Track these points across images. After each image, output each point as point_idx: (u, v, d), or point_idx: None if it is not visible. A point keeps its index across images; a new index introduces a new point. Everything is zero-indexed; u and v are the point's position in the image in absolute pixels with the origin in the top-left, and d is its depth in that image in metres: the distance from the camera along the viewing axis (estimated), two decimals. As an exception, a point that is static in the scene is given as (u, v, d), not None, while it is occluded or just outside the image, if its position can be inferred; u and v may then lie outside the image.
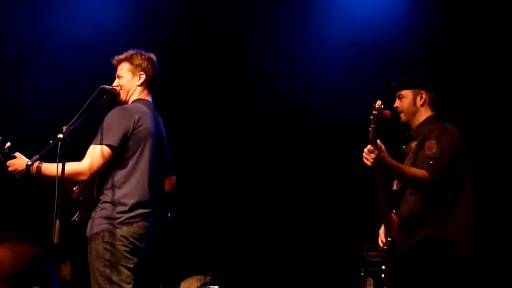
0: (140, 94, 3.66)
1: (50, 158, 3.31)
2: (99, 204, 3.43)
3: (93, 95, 3.44)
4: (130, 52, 3.69)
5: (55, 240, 3.09)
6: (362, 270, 5.20)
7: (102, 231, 3.35)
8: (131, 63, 3.66)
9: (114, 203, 3.39)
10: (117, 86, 3.64)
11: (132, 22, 5.78)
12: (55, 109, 5.24)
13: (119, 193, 3.40)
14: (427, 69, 4.51)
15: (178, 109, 5.83)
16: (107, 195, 3.42)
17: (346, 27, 5.75)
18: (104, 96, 3.54)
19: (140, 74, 3.65)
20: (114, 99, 3.64)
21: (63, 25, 5.63)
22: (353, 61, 5.75)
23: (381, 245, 3.80)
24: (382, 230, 3.81)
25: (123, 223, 3.37)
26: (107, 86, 3.59)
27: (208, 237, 5.98)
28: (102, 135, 3.40)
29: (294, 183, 5.95)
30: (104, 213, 3.39)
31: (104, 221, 3.37)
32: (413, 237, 3.55)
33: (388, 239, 3.73)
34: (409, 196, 3.62)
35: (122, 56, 3.69)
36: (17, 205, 5.44)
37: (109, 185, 3.42)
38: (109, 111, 3.53)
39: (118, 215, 3.37)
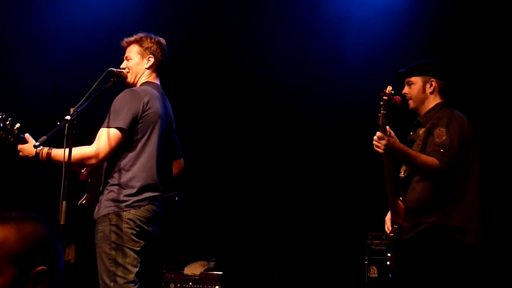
0: (149, 77, 3.64)
1: (57, 139, 3.30)
2: (107, 187, 3.42)
3: (101, 77, 3.43)
4: (140, 34, 3.68)
5: (62, 221, 3.09)
6: (366, 258, 5.20)
7: (110, 213, 3.35)
8: (141, 45, 3.65)
9: (122, 186, 3.39)
10: (124, 68, 3.63)
11: (142, 6, 5.74)
12: (63, 91, 5.23)
13: (127, 176, 3.40)
14: (434, 57, 4.50)
15: (187, 95, 5.81)
16: (115, 178, 3.41)
17: (353, 18, 5.71)
18: (112, 79, 3.52)
19: (149, 57, 3.64)
20: (122, 81, 3.62)
21: (70, 9, 5.61)
22: (359, 51, 5.71)
23: (388, 231, 3.78)
24: (388, 217, 3.80)
25: (130, 206, 3.36)
26: (114, 69, 3.58)
27: (212, 223, 5.98)
28: (111, 118, 3.39)
29: (298, 171, 5.93)
30: (111, 195, 3.38)
31: (112, 203, 3.37)
32: (420, 224, 3.53)
33: (395, 226, 3.72)
34: (417, 183, 3.60)
35: (131, 38, 3.67)
36: (24, 185, 5.44)
37: (117, 167, 3.41)
38: (117, 93, 3.52)
39: (125, 198, 3.37)
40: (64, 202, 3.12)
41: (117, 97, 3.46)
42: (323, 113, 5.84)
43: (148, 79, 3.64)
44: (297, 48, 5.88)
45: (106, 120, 3.41)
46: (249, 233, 5.95)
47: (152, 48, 3.65)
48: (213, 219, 5.98)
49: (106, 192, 3.42)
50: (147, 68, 3.64)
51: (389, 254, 3.87)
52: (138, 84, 3.63)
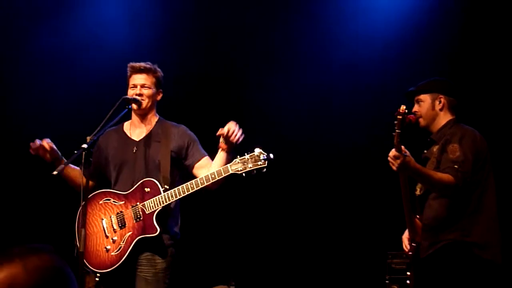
0: (155, 111, 3.78)
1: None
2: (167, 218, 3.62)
3: (116, 105, 3.48)
4: (154, 66, 3.74)
5: (81, 249, 3.13)
6: (387, 277, 5.16)
7: (170, 246, 3.59)
8: (157, 78, 3.73)
9: (177, 218, 3.70)
10: (139, 95, 3.65)
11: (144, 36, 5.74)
12: (76, 119, 5.26)
13: (177, 208, 3.69)
14: (448, 73, 4.49)
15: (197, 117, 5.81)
16: (172, 209, 3.61)
17: (365, 28, 5.65)
18: (127, 106, 3.59)
19: (160, 91, 3.75)
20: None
21: (84, 37, 5.66)
22: (371, 64, 5.64)
23: (406, 250, 3.77)
24: (405, 236, 3.79)
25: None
26: (128, 96, 3.63)
27: (231, 246, 5.97)
28: (200, 147, 3.70)
29: (316, 190, 5.91)
30: (170, 227, 3.61)
31: (171, 235, 3.60)
32: (439, 241, 3.52)
33: (413, 244, 3.71)
34: (433, 201, 3.60)
35: (148, 66, 3.71)
36: (44, 213, 5.47)
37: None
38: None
39: (178, 231, 3.67)
40: (83, 229, 3.17)
41: (187, 130, 3.73)
42: (337, 132, 5.81)
43: (156, 113, 3.78)
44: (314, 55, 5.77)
45: (199, 148, 3.67)
46: (268, 255, 5.93)
47: (162, 83, 3.77)
48: (232, 242, 5.98)
49: (166, 222, 3.58)
50: (157, 101, 3.76)
51: (408, 273, 3.85)
52: (150, 114, 3.73)
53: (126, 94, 3.68)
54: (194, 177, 3.51)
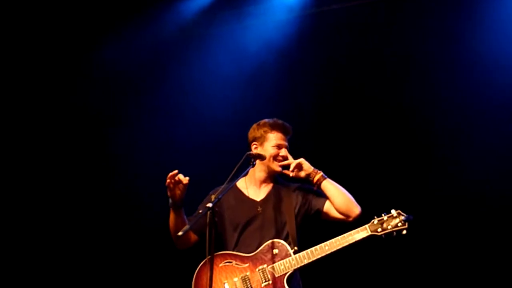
0: None
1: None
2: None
3: (240, 162, 3.42)
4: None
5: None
6: None
7: None
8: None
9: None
10: (284, 157, 3.66)
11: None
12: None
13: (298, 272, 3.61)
14: None
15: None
16: None
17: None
18: (252, 163, 3.54)
19: None
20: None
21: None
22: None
23: None
24: None
25: None
26: (252, 153, 3.60)
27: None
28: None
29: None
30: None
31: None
32: None
33: None
34: None
35: (291, 127, 3.76)
36: (158, 273, 5.47)
37: None
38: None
39: None
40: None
41: (304, 185, 3.68)
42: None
43: None
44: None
45: (318, 195, 3.62)
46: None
47: None
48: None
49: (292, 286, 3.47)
50: None
51: None
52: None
53: (248, 149, 3.69)
54: (327, 221, 3.54)
